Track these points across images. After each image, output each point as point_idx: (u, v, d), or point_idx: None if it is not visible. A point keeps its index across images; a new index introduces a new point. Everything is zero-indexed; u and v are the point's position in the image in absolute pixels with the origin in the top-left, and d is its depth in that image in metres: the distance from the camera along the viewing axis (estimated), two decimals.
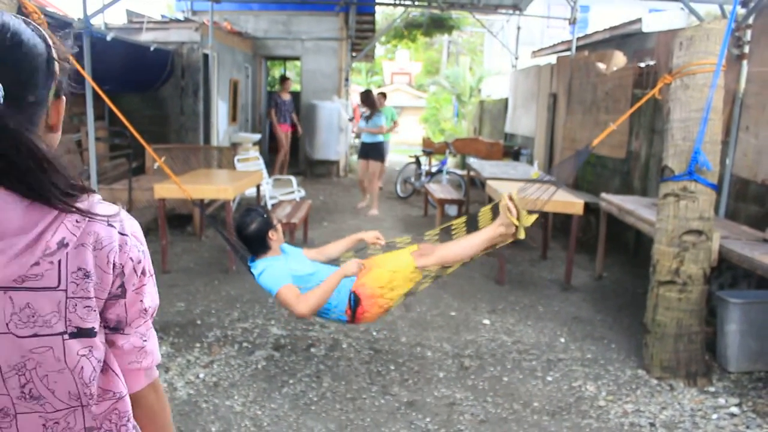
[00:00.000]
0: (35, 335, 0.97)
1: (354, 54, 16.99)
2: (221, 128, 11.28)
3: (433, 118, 25.31)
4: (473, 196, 10.80)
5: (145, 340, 1.15)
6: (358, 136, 10.29)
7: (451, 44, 33.53)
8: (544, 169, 10.24)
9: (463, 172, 11.56)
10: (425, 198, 10.03)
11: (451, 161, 15.55)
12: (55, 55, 1.01)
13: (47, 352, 0.98)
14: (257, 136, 12.55)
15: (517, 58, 14.30)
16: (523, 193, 3.97)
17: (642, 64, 7.95)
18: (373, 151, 9.60)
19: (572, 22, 11.56)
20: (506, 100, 14.09)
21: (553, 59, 11.15)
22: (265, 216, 3.65)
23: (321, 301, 3.38)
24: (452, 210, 9.52)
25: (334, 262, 3.96)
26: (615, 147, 7.81)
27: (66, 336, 1.00)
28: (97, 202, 1.03)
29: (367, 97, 9.71)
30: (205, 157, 8.67)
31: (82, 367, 1.02)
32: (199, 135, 9.98)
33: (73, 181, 0.96)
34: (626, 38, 10.00)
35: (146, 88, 9.39)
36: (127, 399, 1.12)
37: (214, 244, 7.43)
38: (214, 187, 6.21)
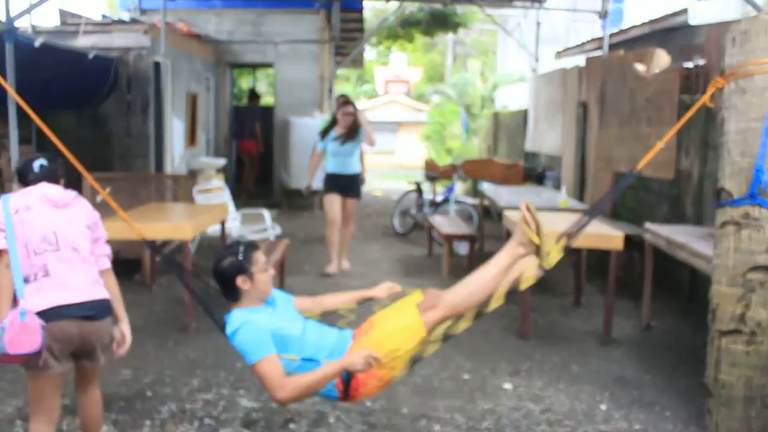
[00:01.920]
0: None
1: (339, 59, 17.17)
2: (177, 152, 11.31)
3: (436, 136, 25.47)
4: (488, 230, 10.80)
5: None
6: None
7: (457, 45, 33.94)
8: (573, 194, 10.27)
9: (476, 201, 11.56)
10: (429, 234, 10.03)
11: (459, 188, 15.57)
12: None
13: None
14: (221, 161, 12.60)
15: (537, 61, 14.44)
16: (569, 229, 3.96)
17: (689, 65, 8.03)
18: (353, 185, 8.68)
19: (603, 15, 11.72)
20: (525, 111, 14.19)
21: (581, 60, 11.25)
22: (238, 256, 3.59)
23: (309, 393, 3.31)
24: (462, 248, 9.50)
25: (330, 316, 3.91)
26: (660, 166, 7.84)
27: None
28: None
29: (346, 107, 8.50)
30: (157, 188, 8.66)
31: None
32: (149, 161, 10.00)
33: None
34: (669, 33, 10.10)
35: (84, 105, 9.43)
36: None
37: (169, 295, 7.38)
38: (169, 224, 6.19)
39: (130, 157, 9.89)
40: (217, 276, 3.57)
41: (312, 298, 3.90)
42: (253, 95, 15.90)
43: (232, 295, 3.57)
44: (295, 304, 3.81)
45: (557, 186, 11.00)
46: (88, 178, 4.34)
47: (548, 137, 12.14)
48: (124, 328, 3.64)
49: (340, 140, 8.50)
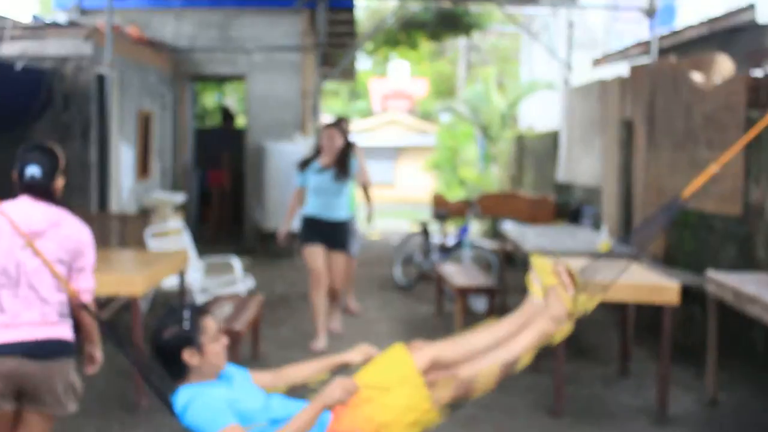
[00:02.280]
0: None
1: (326, 70, 17.26)
2: (125, 186, 11.32)
3: (447, 164, 25.61)
4: (511, 281, 10.78)
5: None
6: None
7: (470, 52, 34.23)
8: (617, 235, 10.25)
9: (495, 245, 11.53)
10: (438, 286, 10.02)
11: (476, 228, 15.58)
12: None
13: None
14: (180, 197, 12.62)
15: (570, 70, 14.53)
16: (587, 274, 3.95)
17: (758, 73, 8.07)
18: (340, 235, 8.38)
19: (651, 14, 11.81)
20: (556, 133, 14.24)
21: (624, 69, 11.33)
22: (182, 324, 3.59)
23: None
24: (479, 303, 9.46)
25: (299, 391, 3.89)
26: (725, 199, 7.84)
27: None
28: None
29: (338, 135, 8.25)
30: (99, 230, 8.63)
31: None
32: (89, 196, 10.01)
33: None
34: (733, 34, 10.17)
35: (9, 126, 9.44)
36: None
37: (114, 366, 7.31)
38: (114, 276, 6.17)
39: (66, 191, 9.87)
40: (157, 350, 3.58)
41: (273, 372, 3.90)
42: (227, 115, 16.03)
43: (177, 371, 3.58)
44: (254, 380, 3.80)
45: (596, 225, 10.99)
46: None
47: (584, 165, 12.16)
48: (94, 349, 4.29)
49: (326, 173, 8.17)
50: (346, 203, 8.40)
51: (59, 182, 4.12)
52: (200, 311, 3.65)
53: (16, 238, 3.85)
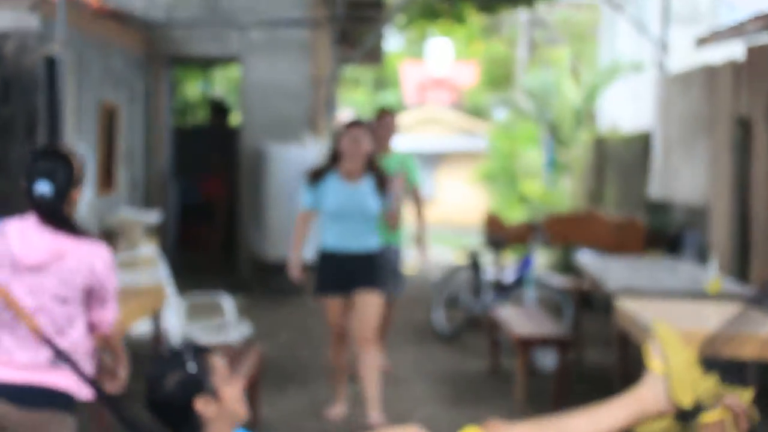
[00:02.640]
0: None
1: (345, 51, 17.31)
2: (82, 201, 11.36)
3: (503, 175, 25.53)
4: (589, 330, 10.71)
5: None
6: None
7: (534, 28, 34.23)
8: (730, 270, 10.16)
9: (568, 282, 11.46)
10: (491, 336, 9.99)
11: (541, 259, 15.49)
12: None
13: None
14: (154, 216, 12.65)
15: (666, 52, 14.47)
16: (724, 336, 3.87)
17: None
18: (370, 271, 7.95)
19: None
20: (647, 134, 14.17)
21: (738, 51, 11.26)
22: (187, 368, 3.59)
23: None
24: (547, 359, 9.38)
25: None
26: None
27: None
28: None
29: (365, 136, 7.88)
30: None
31: None
32: None
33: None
34: None
35: None
36: None
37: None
38: None
39: (7, 206, 9.94)
40: (161, 408, 3.56)
41: None
42: (218, 110, 16.15)
43: (190, 428, 3.57)
44: None
45: (702, 257, 10.91)
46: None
47: (686, 176, 12.10)
48: (119, 366, 4.71)
49: (350, 188, 7.83)
50: (375, 228, 8.03)
51: (74, 196, 4.43)
52: (202, 349, 3.65)
53: (13, 272, 4.24)
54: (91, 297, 4.41)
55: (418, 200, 9.62)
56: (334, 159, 7.96)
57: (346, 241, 7.87)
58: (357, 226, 7.88)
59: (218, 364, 3.66)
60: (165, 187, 14.68)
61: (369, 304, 7.82)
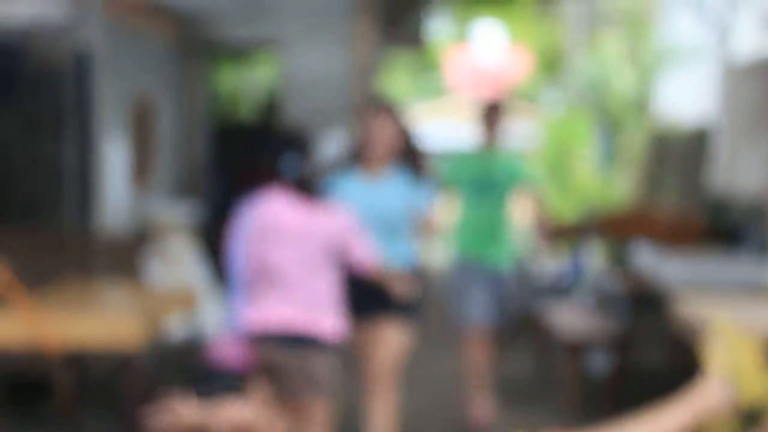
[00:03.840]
0: None
1: (387, 35, 17.28)
2: (114, 196, 11.43)
3: (553, 168, 25.38)
4: (645, 330, 10.67)
5: None
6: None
7: (587, 10, 34.05)
8: None
9: (622, 280, 11.43)
10: (538, 337, 10.04)
11: (596, 257, 15.43)
12: None
13: None
14: (192, 212, 12.70)
15: (730, 37, 14.37)
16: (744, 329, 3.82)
17: None
18: (388, 296, 6.34)
19: None
20: (709, 125, 14.09)
21: None
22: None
23: None
24: (599, 362, 9.35)
25: None
26: None
27: None
28: None
29: (391, 121, 6.67)
30: (81, 255, 8.75)
31: None
32: (67, 211, 10.08)
33: None
34: None
35: None
36: None
37: None
38: (100, 321, 6.21)
39: (35, 202, 9.98)
40: None
41: None
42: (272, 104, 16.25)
43: None
44: None
45: (765, 251, 10.86)
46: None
47: (749, 168, 12.04)
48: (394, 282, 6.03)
49: (374, 188, 6.70)
50: (406, 236, 6.81)
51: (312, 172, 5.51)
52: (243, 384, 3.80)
53: (275, 234, 5.30)
54: (343, 249, 5.46)
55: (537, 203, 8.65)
56: (355, 153, 6.95)
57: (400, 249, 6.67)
58: (386, 233, 6.52)
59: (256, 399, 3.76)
60: (204, 183, 14.72)
61: (389, 337, 6.53)
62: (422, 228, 6.76)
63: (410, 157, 6.86)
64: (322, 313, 5.38)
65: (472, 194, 8.07)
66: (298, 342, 5.25)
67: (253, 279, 5.36)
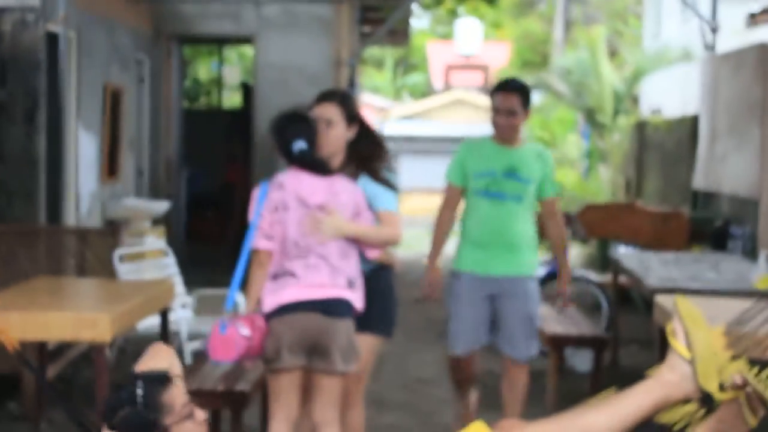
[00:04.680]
0: None
1: (367, 30, 17.32)
2: (85, 189, 11.40)
3: None
4: (628, 330, 10.70)
5: None
6: None
7: (571, 4, 34.14)
8: None
9: (605, 278, 11.44)
10: None
11: (577, 254, 15.49)
12: None
13: None
14: (163, 205, 12.67)
15: (715, 31, 14.43)
16: (741, 325, 3.85)
17: None
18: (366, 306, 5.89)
19: None
20: (693, 119, 14.14)
21: None
22: (136, 402, 3.64)
23: None
24: (582, 360, 9.38)
25: None
26: None
27: None
28: None
29: (340, 116, 5.87)
30: (49, 250, 8.73)
31: None
32: (37, 204, 10.06)
33: None
34: None
35: None
36: None
37: None
38: (70, 315, 6.20)
39: (3, 196, 9.96)
40: None
41: None
42: (250, 94, 16.23)
43: None
44: None
45: (751, 252, 10.90)
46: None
47: (734, 166, 12.07)
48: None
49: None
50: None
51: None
52: (161, 380, 3.68)
53: (303, 210, 5.48)
54: (358, 215, 5.66)
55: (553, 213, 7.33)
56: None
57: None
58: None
59: (177, 397, 3.71)
60: (171, 176, 14.70)
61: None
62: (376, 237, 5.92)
63: (366, 155, 6.09)
64: (349, 285, 5.58)
65: (483, 193, 6.98)
66: (329, 307, 5.45)
67: (283, 255, 5.54)
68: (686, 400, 3.39)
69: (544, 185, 7.04)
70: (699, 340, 3.34)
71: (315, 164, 5.60)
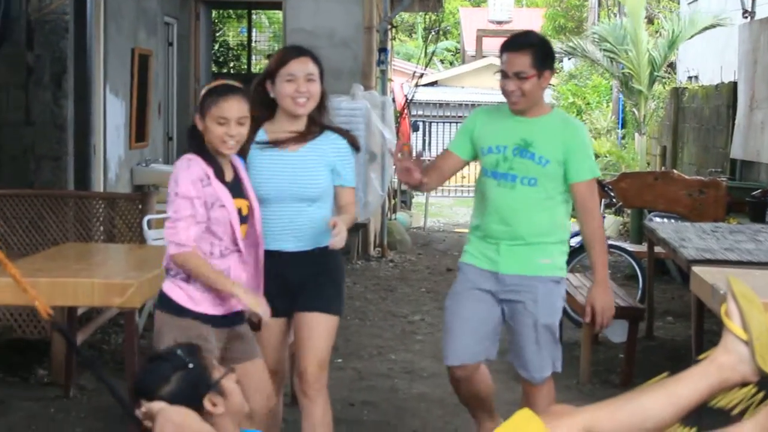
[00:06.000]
0: None
1: None
2: (113, 154, 11.43)
3: None
4: (663, 300, 10.69)
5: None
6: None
7: None
8: None
9: (640, 248, 11.43)
10: None
11: (611, 224, 15.46)
12: None
13: None
14: None
15: None
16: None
17: None
18: (322, 279, 5.66)
19: None
20: (731, 86, 14.07)
21: None
22: (188, 365, 3.69)
23: None
24: (616, 332, 9.33)
25: None
26: None
27: None
28: None
29: (316, 73, 5.66)
30: (78, 216, 8.77)
31: None
32: (65, 169, 10.09)
33: None
34: None
35: None
36: None
37: (100, 405, 7.42)
38: (99, 281, 6.24)
39: (32, 160, 9.99)
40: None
41: None
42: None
43: None
44: None
45: None
46: None
47: None
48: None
49: (283, 156, 5.60)
50: (325, 213, 5.66)
51: None
52: (192, 347, 3.79)
53: None
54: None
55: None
56: (261, 115, 5.68)
57: (282, 236, 5.58)
58: (296, 210, 5.59)
59: (213, 361, 3.88)
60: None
61: (317, 328, 5.59)
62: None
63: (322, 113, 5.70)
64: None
65: (491, 174, 5.90)
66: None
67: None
68: (744, 383, 3.33)
69: (571, 164, 5.76)
70: (756, 321, 3.26)
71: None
